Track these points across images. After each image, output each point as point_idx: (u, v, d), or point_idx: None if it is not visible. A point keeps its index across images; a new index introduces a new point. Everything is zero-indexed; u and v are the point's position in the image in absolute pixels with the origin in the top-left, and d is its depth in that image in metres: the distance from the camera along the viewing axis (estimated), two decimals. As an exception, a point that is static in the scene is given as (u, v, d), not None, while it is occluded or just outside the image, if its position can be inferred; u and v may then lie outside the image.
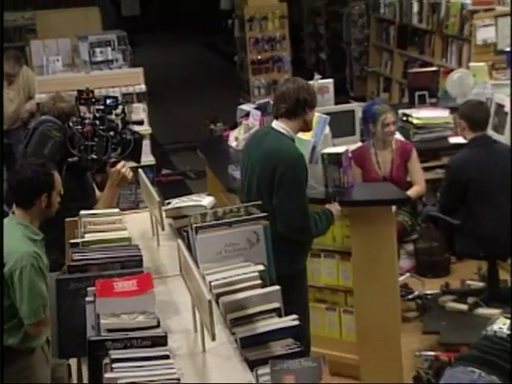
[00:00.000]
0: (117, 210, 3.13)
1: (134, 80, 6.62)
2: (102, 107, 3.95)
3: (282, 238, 3.72)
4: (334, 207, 4.04)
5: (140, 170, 3.66)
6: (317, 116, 4.25)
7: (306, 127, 3.95)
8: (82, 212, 3.01)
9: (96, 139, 3.88)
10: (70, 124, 3.92)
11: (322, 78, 5.96)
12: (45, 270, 3.43)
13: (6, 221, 3.55)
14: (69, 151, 3.88)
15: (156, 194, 2.97)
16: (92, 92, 3.97)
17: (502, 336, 3.27)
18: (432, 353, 4.43)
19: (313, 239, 4.05)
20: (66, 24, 7.80)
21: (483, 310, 4.85)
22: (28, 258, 3.37)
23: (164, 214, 3.01)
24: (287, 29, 10.13)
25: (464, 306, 4.97)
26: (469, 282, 5.34)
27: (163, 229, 2.97)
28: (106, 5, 10.92)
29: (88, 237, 2.80)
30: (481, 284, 5.23)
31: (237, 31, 10.70)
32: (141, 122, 4.13)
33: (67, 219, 3.19)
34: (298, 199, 3.75)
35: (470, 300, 5.00)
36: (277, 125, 3.88)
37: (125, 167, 3.92)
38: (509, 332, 3.27)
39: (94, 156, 3.89)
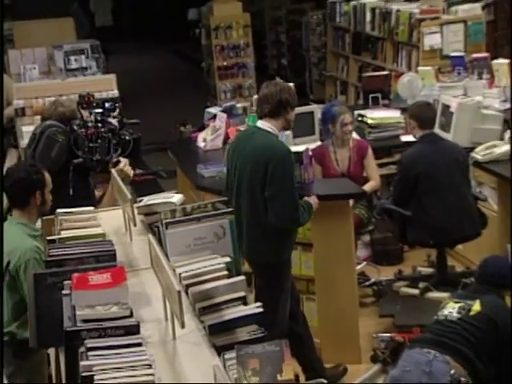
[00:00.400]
0: (91, 208, 3.10)
1: (107, 86, 6.54)
2: (101, 110, 3.92)
3: (271, 231, 3.76)
4: (313, 200, 4.05)
5: (113, 170, 3.63)
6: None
7: (288, 125, 3.97)
8: (59, 210, 2.98)
9: (99, 141, 3.86)
10: (74, 127, 3.89)
11: (283, 83, 5.95)
12: None
13: (5, 223, 3.50)
14: (74, 153, 3.86)
15: (128, 192, 2.95)
16: (93, 96, 3.95)
17: (451, 319, 3.32)
18: (388, 334, 4.47)
19: (297, 231, 4.06)
20: (42, 34, 7.68)
21: (433, 294, 4.90)
22: (30, 253, 3.33)
23: (136, 210, 2.99)
24: (250, 37, 10.14)
25: (416, 291, 5.01)
26: (420, 269, 5.38)
27: (135, 225, 2.94)
28: (80, 16, 10.78)
29: (64, 233, 2.77)
30: (430, 270, 5.27)
31: (203, 39, 10.68)
32: (136, 123, 4.10)
33: (44, 217, 3.15)
34: (289, 191, 3.76)
35: (421, 285, 5.04)
36: (262, 124, 3.89)
37: (126, 165, 3.91)
38: (458, 315, 3.31)
39: (98, 157, 3.87)
